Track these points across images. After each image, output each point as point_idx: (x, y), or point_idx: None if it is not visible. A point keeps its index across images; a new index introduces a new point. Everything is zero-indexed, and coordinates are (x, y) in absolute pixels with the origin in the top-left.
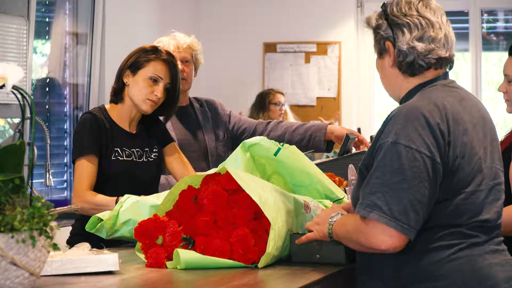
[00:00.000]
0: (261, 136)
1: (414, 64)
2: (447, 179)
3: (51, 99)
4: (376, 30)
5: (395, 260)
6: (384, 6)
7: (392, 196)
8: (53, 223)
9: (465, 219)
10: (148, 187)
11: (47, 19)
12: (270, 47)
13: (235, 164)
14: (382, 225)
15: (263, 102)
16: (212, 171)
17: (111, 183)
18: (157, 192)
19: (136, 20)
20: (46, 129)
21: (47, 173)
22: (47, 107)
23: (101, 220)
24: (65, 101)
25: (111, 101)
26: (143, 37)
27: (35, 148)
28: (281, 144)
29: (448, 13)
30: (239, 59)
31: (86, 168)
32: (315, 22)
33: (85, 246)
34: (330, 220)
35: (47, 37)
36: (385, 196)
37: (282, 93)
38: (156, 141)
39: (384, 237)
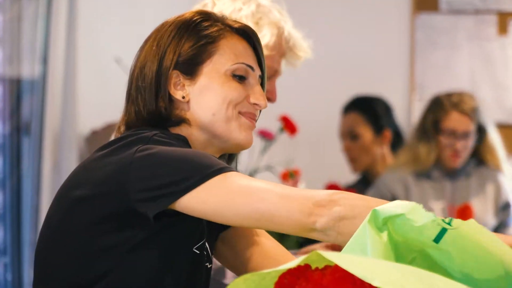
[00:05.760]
0: (406, 202)
1: None
2: None
3: None
4: None
5: None
6: None
7: None
8: None
9: None
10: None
11: None
12: (425, 2)
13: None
14: None
15: (427, 127)
16: (292, 263)
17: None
18: None
19: None
20: None
21: None
22: None
23: None
24: None
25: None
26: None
27: None
28: (448, 219)
29: None
30: (361, 28)
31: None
32: None
33: None
34: None
35: None
36: None
37: (467, 113)
38: None
39: None
